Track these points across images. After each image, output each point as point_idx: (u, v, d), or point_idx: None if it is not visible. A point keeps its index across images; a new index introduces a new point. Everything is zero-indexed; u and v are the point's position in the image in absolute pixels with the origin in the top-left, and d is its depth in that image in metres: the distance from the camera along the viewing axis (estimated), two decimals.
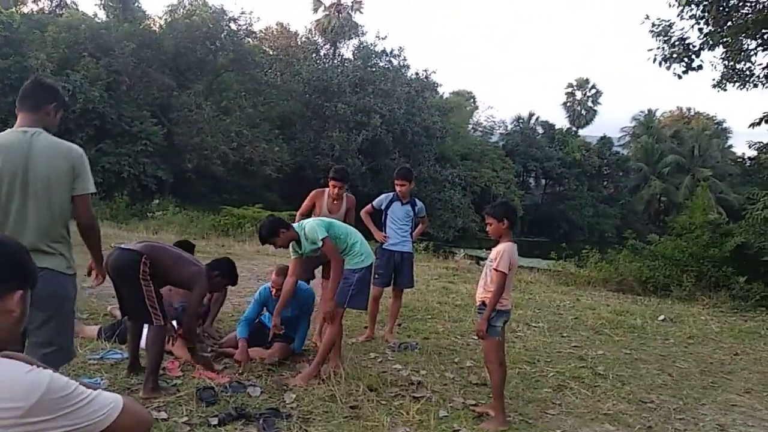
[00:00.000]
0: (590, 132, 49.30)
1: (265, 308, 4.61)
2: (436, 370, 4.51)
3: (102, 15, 28.48)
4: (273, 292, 4.43)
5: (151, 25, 28.97)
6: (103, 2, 28.28)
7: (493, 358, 3.63)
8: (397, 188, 5.42)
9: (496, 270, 3.52)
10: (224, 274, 3.98)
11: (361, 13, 38.12)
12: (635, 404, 4.17)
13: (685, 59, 10.45)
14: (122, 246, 3.73)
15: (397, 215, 5.45)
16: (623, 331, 6.65)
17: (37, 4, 30.40)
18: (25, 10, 28.62)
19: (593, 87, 50.27)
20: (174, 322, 4.42)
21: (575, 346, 5.73)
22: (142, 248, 3.64)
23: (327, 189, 5.15)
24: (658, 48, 10.54)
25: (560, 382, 4.51)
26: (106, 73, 23.22)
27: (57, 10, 29.81)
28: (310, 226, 4.05)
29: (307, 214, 5.07)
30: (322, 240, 3.97)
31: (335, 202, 5.09)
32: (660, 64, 10.56)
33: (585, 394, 4.28)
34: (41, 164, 2.56)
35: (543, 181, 46.36)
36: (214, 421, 3.14)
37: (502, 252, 3.54)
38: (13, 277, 1.38)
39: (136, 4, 29.01)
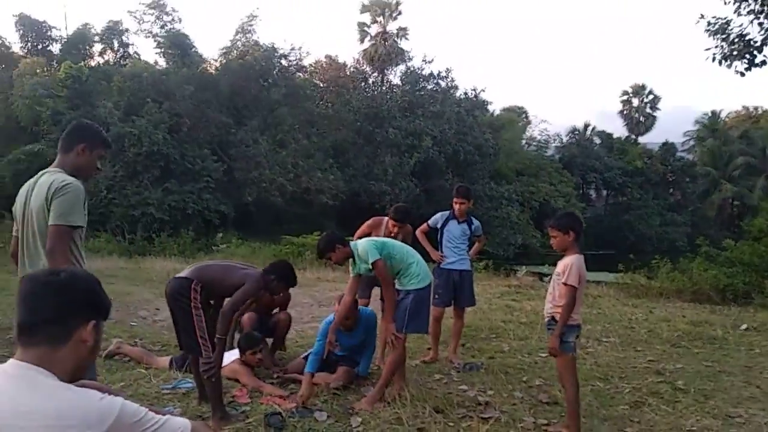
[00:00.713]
0: (651, 139, 47.49)
1: None
2: (503, 390, 4.39)
3: (162, 62, 30.13)
4: None
5: (208, 68, 30.33)
6: (163, 50, 29.92)
7: (567, 375, 3.50)
8: (456, 206, 5.38)
9: (566, 284, 3.40)
10: (281, 277, 3.86)
11: (407, 39, 38.63)
12: (721, 419, 3.91)
13: (747, 56, 9.95)
14: (176, 275, 3.84)
15: (454, 234, 5.39)
16: (703, 342, 6.28)
17: (103, 57, 32.47)
18: (93, 63, 30.62)
19: (650, 92, 48.54)
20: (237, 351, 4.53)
21: (651, 361, 5.45)
22: (191, 273, 3.74)
23: (385, 219, 5.28)
24: (716, 47, 10.07)
25: (637, 398, 4.30)
26: (168, 117, 24.42)
27: (121, 61, 31.73)
28: (363, 247, 4.06)
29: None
30: (373, 263, 3.96)
31: (392, 235, 5.11)
32: (720, 63, 10.08)
33: (665, 410, 4.05)
34: (32, 201, 2.77)
35: (604, 192, 44.81)
36: None
37: (570, 265, 3.43)
38: (86, 309, 1.45)
39: (193, 50, 30.51)
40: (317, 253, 4.25)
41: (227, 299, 3.73)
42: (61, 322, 1.40)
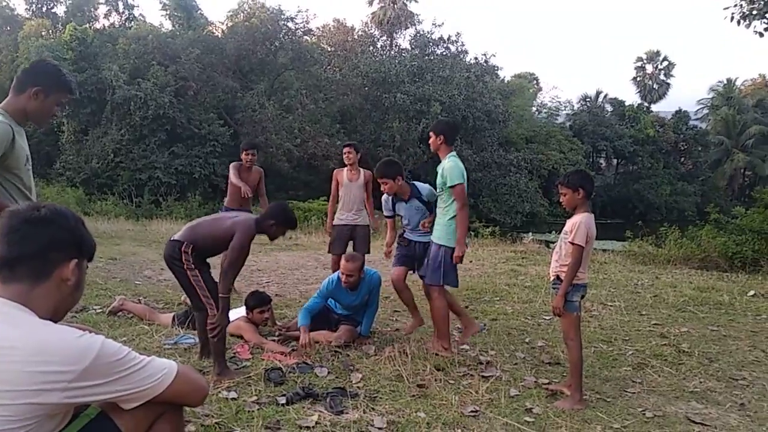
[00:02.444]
0: (664, 107, 46.74)
1: (331, 297, 4.60)
2: (505, 350, 4.38)
3: (168, 25, 29.73)
4: (343, 279, 4.40)
5: (214, 30, 29.89)
6: (168, 12, 29.48)
7: (572, 334, 3.45)
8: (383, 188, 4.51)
9: (573, 243, 3.33)
10: (280, 221, 3.69)
11: (416, 1, 37.96)
12: (725, 381, 3.88)
13: (767, 15, 9.63)
14: (171, 238, 3.75)
15: (407, 215, 4.61)
16: (709, 308, 6.24)
17: (108, 20, 32.11)
18: (98, 26, 30.25)
19: (665, 59, 47.54)
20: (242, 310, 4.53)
21: (655, 324, 5.41)
22: (181, 235, 3.68)
23: (345, 168, 5.79)
24: (736, 5, 9.77)
25: (640, 360, 4.27)
26: (174, 80, 24.19)
27: (126, 23, 31.32)
28: (453, 164, 4.07)
29: (336, 196, 5.85)
30: (455, 184, 4.01)
31: (352, 171, 5.70)
32: (738, 23, 9.77)
33: (668, 371, 4.03)
34: None
35: (614, 161, 44.26)
36: (282, 400, 3.15)
37: (579, 224, 3.34)
38: (67, 246, 1.40)
39: (198, 12, 30.01)
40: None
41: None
42: (42, 258, 1.36)
